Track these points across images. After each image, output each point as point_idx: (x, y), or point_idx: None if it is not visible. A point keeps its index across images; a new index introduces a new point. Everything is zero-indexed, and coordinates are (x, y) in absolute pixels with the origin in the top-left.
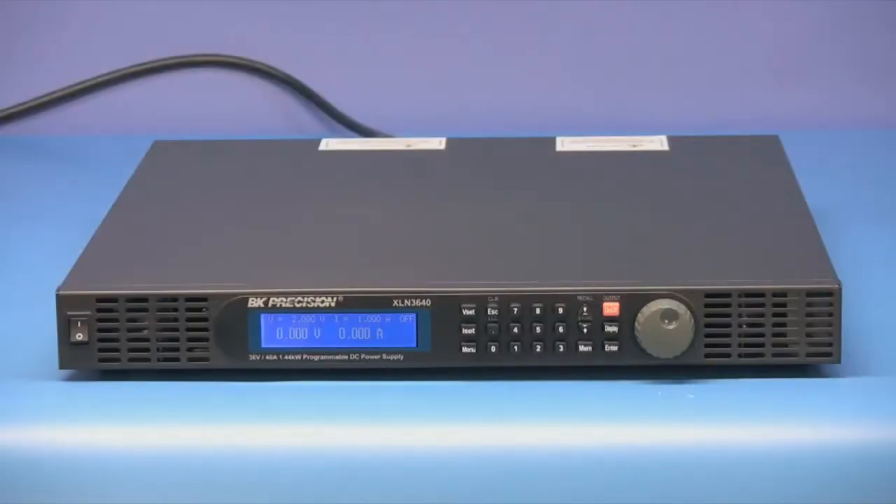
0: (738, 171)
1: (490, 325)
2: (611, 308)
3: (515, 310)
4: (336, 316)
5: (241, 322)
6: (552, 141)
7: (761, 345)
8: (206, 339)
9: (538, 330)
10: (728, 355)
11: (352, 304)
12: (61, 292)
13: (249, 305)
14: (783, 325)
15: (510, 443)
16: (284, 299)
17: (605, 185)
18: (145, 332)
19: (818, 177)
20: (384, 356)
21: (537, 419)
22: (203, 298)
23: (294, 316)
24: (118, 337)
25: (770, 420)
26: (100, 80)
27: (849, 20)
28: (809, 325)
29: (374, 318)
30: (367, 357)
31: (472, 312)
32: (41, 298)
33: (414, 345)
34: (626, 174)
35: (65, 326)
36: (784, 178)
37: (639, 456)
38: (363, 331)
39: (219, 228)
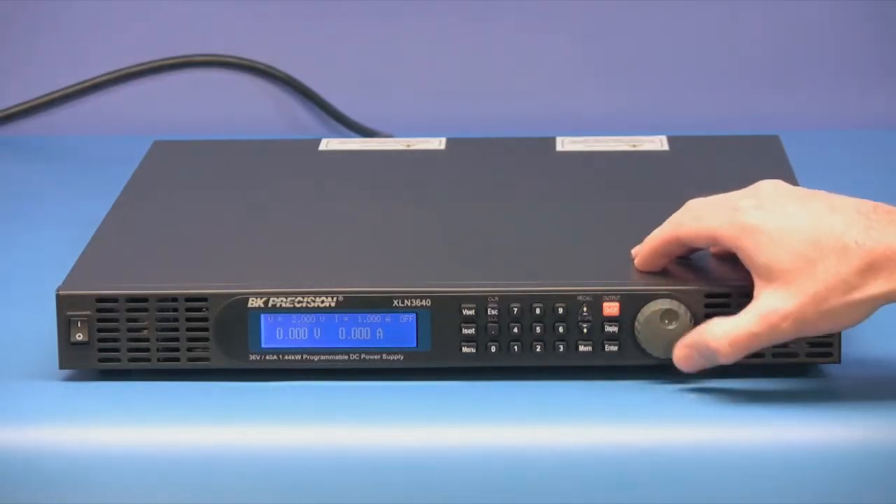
0: (738, 171)
1: (490, 325)
2: (611, 308)
3: (515, 310)
4: (336, 316)
5: (241, 322)
6: (552, 141)
7: None
8: (206, 339)
9: (538, 330)
10: None
11: (352, 304)
12: (61, 292)
13: (249, 305)
14: None
15: (510, 443)
16: (284, 299)
17: (605, 185)
18: (145, 332)
19: (818, 177)
20: (384, 356)
21: (537, 419)
22: (203, 298)
23: (294, 316)
24: (118, 337)
25: (770, 420)
26: (100, 80)
27: (848, 20)
28: None
29: (374, 318)
30: (367, 357)
31: (472, 312)
32: (41, 298)
33: (414, 345)
34: (626, 174)
35: (65, 326)
36: (784, 179)
37: (639, 456)
38: (363, 331)
39: (219, 228)
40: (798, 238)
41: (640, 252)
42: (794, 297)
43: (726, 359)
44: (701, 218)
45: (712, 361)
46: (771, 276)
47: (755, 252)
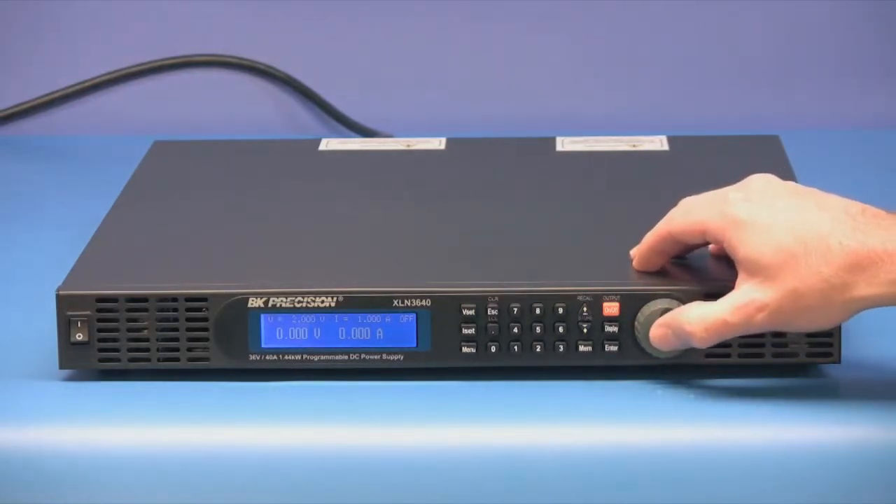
0: (738, 171)
1: (490, 325)
2: (611, 308)
3: (515, 310)
4: (336, 316)
5: (241, 322)
6: (552, 141)
7: (761, 345)
8: (206, 339)
9: (538, 330)
10: (728, 355)
11: (352, 304)
12: (61, 292)
13: (249, 305)
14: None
15: (510, 443)
16: (284, 299)
17: (605, 185)
18: (145, 332)
19: (818, 177)
20: (384, 356)
21: (537, 419)
22: (203, 298)
23: (294, 316)
24: (118, 337)
25: (770, 420)
26: (100, 80)
27: (848, 20)
28: None
29: (374, 318)
30: (367, 357)
31: (472, 312)
32: (41, 298)
33: (414, 345)
34: (625, 174)
35: (65, 326)
36: (784, 178)
37: (639, 456)
38: (363, 331)
39: (219, 228)
40: (783, 233)
41: (637, 252)
42: (773, 290)
43: (700, 343)
44: (691, 212)
45: (686, 344)
46: (753, 269)
47: (740, 244)
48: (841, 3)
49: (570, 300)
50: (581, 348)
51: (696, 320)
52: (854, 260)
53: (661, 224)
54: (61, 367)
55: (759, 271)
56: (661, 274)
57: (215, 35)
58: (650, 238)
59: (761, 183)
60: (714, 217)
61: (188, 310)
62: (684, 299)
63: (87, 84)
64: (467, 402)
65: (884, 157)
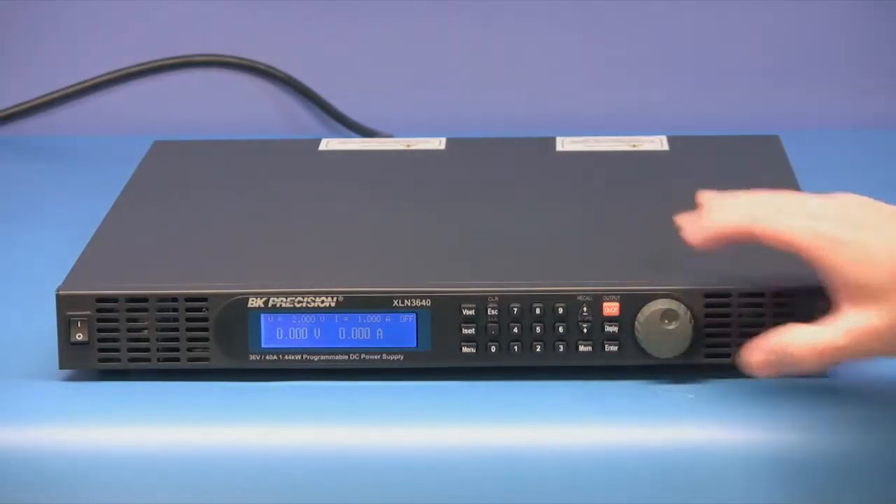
0: (738, 171)
1: (490, 325)
2: (611, 308)
3: (515, 310)
4: (336, 316)
5: (241, 322)
6: (552, 141)
7: None
8: (206, 339)
9: (538, 330)
10: (728, 355)
11: (352, 304)
12: (61, 292)
13: (249, 305)
14: (783, 324)
15: (510, 443)
16: (284, 299)
17: (605, 185)
18: (145, 332)
19: (818, 177)
20: (384, 356)
21: (537, 419)
22: (203, 298)
23: (294, 316)
24: (118, 337)
25: (770, 420)
26: (100, 80)
27: (849, 20)
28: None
29: (374, 318)
30: (367, 357)
31: (472, 312)
32: (41, 298)
33: (414, 345)
34: (625, 174)
35: (65, 326)
36: (784, 178)
37: (639, 456)
38: (363, 331)
39: (219, 228)
40: (888, 257)
41: (706, 231)
42: (884, 315)
43: (811, 368)
44: (780, 220)
45: (790, 370)
46: (858, 293)
47: (841, 266)
48: (841, 3)
49: (570, 300)
50: (581, 348)
51: (805, 346)
52: None
53: (743, 221)
54: (61, 367)
55: (866, 295)
56: (661, 274)
57: (215, 35)
58: (727, 228)
59: (855, 203)
60: (807, 234)
61: (188, 310)
62: (684, 299)
63: (87, 84)
64: (467, 402)
65: (884, 157)
